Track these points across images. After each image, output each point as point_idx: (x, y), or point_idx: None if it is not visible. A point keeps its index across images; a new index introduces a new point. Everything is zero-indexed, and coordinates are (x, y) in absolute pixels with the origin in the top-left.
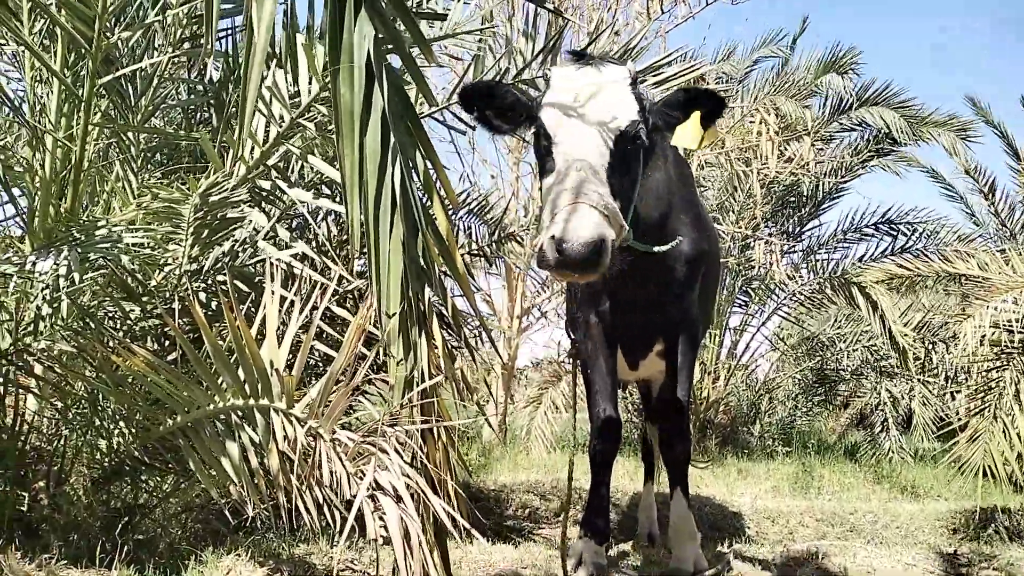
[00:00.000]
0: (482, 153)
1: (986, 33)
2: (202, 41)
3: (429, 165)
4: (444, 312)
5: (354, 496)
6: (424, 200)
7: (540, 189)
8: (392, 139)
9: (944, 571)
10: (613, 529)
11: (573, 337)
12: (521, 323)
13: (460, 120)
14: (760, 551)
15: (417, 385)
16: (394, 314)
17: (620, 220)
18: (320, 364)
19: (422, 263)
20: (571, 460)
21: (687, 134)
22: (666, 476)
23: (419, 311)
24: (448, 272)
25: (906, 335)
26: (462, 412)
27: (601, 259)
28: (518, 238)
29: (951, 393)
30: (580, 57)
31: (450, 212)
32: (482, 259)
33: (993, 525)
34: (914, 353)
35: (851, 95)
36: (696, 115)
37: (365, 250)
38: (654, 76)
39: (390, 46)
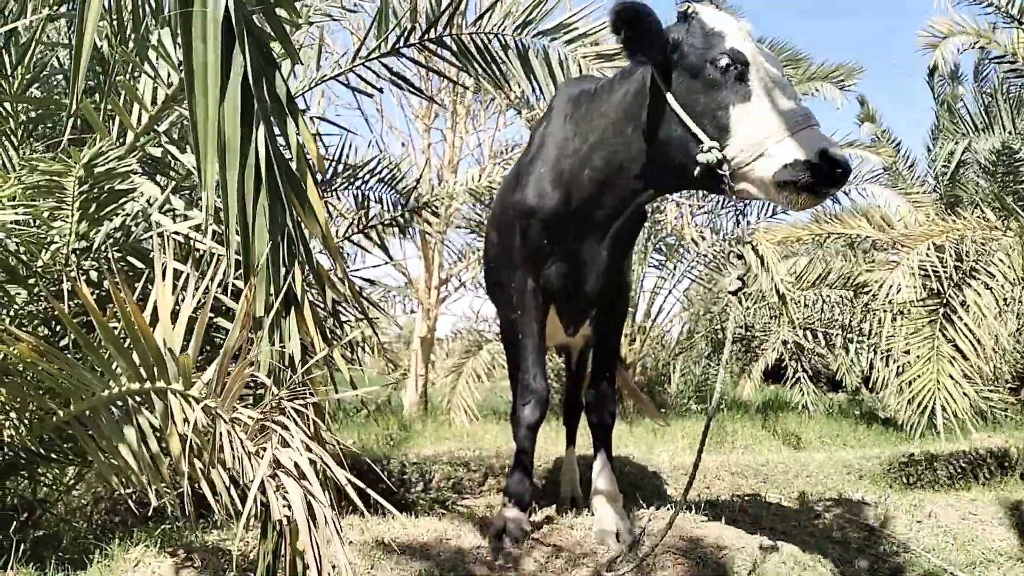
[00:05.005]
0: (390, 120)
1: None
2: None
3: (295, 130)
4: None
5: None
6: (292, 170)
7: (723, 116)
8: (255, 104)
9: (852, 515)
10: (537, 494)
11: (496, 304)
12: (439, 293)
13: (366, 83)
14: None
15: (301, 364)
16: (269, 298)
17: None
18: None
19: (292, 233)
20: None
21: None
22: (590, 439)
23: (290, 290)
24: (324, 246)
25: (784, 281)
26: (378, 386)
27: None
28: (433, 207)
29: (853, 347)
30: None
31: (323, 181)
32: (395, 229)
33: (901, 470)
34: (803, 302)
35: None
36: None
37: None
38: (566, 33)
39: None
